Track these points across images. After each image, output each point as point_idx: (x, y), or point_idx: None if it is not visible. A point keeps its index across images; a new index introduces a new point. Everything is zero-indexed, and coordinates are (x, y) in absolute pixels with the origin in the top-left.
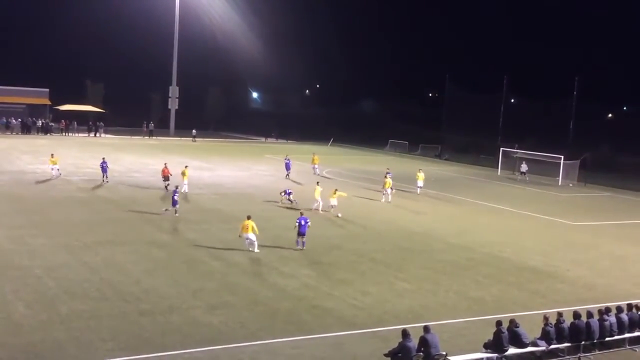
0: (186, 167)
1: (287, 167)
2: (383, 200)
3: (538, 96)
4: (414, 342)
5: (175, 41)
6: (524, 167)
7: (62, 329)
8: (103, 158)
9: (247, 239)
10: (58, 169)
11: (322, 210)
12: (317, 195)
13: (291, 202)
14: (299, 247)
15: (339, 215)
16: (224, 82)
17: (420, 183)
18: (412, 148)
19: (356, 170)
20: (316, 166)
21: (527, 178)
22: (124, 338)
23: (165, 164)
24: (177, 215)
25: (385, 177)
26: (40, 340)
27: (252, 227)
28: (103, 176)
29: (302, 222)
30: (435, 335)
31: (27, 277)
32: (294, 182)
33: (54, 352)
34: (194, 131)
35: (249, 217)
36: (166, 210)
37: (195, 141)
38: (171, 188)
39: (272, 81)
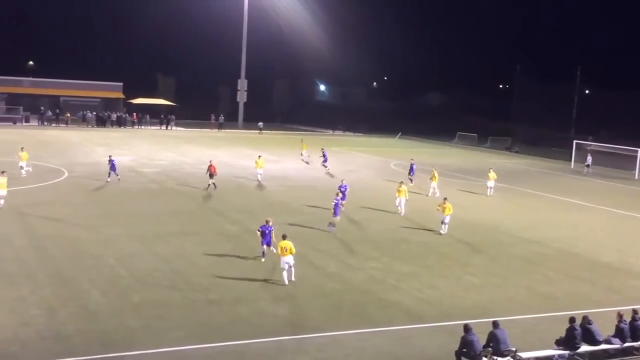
0: (259, 156)
1: (325, 159)
2: (430, 194)
3: (613, 87)
4: (477, 336)
5: (244, 35)
6: (589, 160)
7: (134, 316)
8: (110, 156)
9: (286, 264)
10: (28, 168)
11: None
12: (401, 195)
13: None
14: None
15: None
16: (291, 74)
17: (490, 183)
18: (481, 141)
19: (424, 163)
20: (304, 152)
21: (591, 171)
22: (193, 327)
23: (210, 160)
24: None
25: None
26: (114, 328)
27: (290, 249)
28: (109, 174)
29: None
30: (504, 331)
31: (101, 266)
32: (329, 174)
33: (126, 339)
34: (260, 124)
35: (284, 237)
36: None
37: (261, 133)
38: (211, 185)
39: (339, 74)
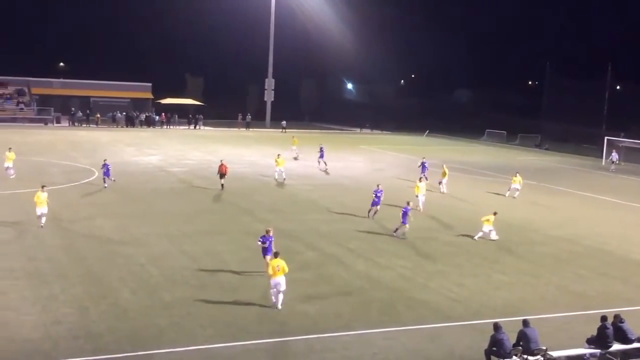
0: (278, 155)
1: (322, 155)
2: (443, 191)
3: None
4: (507, 335)
5: (271, 34)
6: (614, 156)
7: (164, 315)
8: (105, 160)
9: (276, 285)
10: (12, 170)
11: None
12: (418, 192)
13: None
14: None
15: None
16: (318, 73)
17: (516, 186)
18: (510, 138)
19: (453, 161)
20: (294, 148)
21: (613, 168)
22: (222, 325)
23: (221, 160)
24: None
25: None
26: (144, 326)
27: (283, 268)
28: (105, 180)
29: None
30: (534, 330)
31: (131, 265)
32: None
33: (156, 338)
34: (283, 122)
35: (276, 255)
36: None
37: (285, 132)
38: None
39: (367, 72)
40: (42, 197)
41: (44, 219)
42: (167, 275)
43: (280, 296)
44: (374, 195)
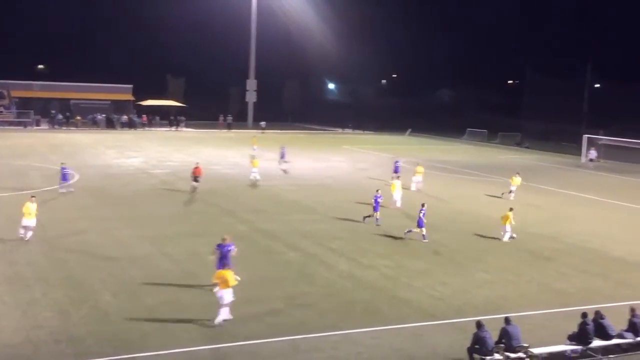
0: (253, 157)
1: (282, 156)
2: (413, 188)
3: (624, 80)
4: (489, 333)
5: (253, 35)
6: (592, 154)
7: (147, 318)
8: (62, 164)
9: (220, 298)
10: None
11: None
12: (394, 190)
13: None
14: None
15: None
16: (300, 74)
17: (513, 187)
18: (490, 136)
19: (434, 159)
20: (255, 147)
21: (592, 165)
22: (206, 328)
23: (197, 163)
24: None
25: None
26: (126, 329)
27: (226, 281)
28: (61, 184)
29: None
30: (516, 327)
31: (113, 268)
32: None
33: (139, 341)
34: (262, 123)
35: (223, 265)
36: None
37: (264, 133)
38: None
39: (348, 72)
40: (31, 208)
41: (30, 233)
42: (149, 278)
43: (222, 311)
44: (373, 200)
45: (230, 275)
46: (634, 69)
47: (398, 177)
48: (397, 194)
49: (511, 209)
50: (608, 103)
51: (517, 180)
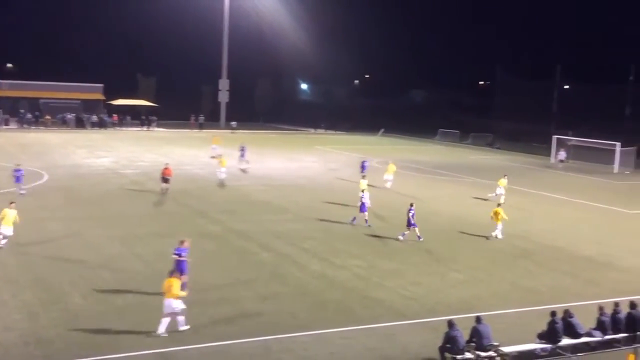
0: (221, 156)
1: (243, 155)
2: (387, 186)
3: (592, 82)
4: (460, 332)
5: (225, 34)
6: (562, 155)
7: (117, 319)
8: (17, 165)
9: (168, 309)
10: None
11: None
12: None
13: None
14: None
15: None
16: (273, 74)
17: (500, 190)
18: (462, 137)
19: (406, 160)
20: (215, 146)
21: (561, 166)
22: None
23: (166, 163)
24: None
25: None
26: (96, 331)
27: (172, 290)
28: (17, 187)
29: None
30: (487, 326)
31: (83, 269)
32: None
33: (109, 343)
34: (233, 123)
35: (171, 274)
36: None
37: (234, 133)
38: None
39: (321, 72)
40: (9, 215)
41: (4, 241)
42: (119, 279)
43: (165, 320)
44: (360, 201)
45: (176, 285)
46: (601, 71)
47: (364, 177)
48: (366, 193)
49: (499, 205)
50: (577, 104)
51: (503, 182)
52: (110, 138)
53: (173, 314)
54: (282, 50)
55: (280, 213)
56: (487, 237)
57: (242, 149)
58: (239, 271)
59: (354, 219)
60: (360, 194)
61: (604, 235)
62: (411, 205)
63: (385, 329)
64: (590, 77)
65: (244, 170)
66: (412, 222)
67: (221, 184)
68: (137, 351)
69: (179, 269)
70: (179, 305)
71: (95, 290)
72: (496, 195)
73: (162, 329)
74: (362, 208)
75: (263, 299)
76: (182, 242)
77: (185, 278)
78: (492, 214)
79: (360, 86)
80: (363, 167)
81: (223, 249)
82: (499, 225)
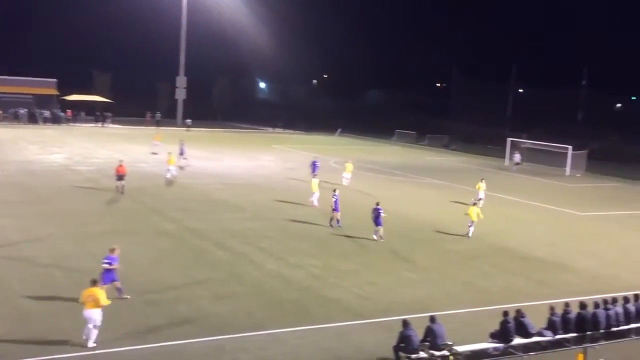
0: (170, 153)
1: (182, 152)
2: (344, 183)
3: (546, 86)
4: (415, 331)
5: (183, 31)
6: (517, 157)
7: (68, 318)
8: None
9: (87, 319)
10: None
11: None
12: (314, 189)
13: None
14: (375, 237)
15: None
16: (231, 72)
17: (481, 194)
18: (419, 138)
19: (363, 160)
20: (157, 143)
21: (515, 168)
22: (130, 328)
23: (121, 161)
24: None
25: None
26: (47, 330)
27: (98, 300)
28: None
29: (377, 213)
30: (441, 325)
31: (34, 267)
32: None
33: (61, 342)
34: (188, 121)
35: (94, 283)
36: None
37: (189, 131)
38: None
39: (280, 71)
40: None
41: None
42: (72, 277)
43: (94, 332)
44: (333, 202)
45: (102, 295)
46: (554, 75)
47: (315, 176)
48: (316, 193)
49: (474, 204)
50: (531, 107)
51: (482, 185)
52: (64, 134)
53: (92, 328)
54: (241, 49)
55: (237, 212)
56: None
57: (182, 146)
58: (194, 270)
59: (338, 221)
60: (333, 194)
61: (556, 237)
62: (334, 190)
63: (340, 329)
64: (544, 81)
65: (182, 168)
66: (336, 207)
67: (169, 182)
68: (89, 351)
69: (108, 278)
70: (99, 317)
71: (46, 289)
72: (480, 199)
73: (92, 342)
74: (336, 208)
75: (219, 299)
76: (112, 250)
77: (118, 284)
78: (469, 213)
79: (319, 86)
80: (314, 167)
81: (179, 248)
82: (472, 224)
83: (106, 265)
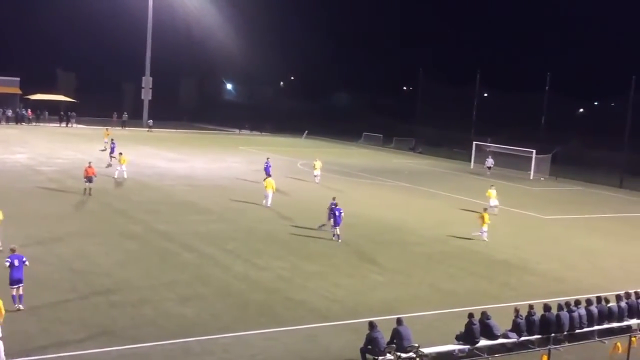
0: (120, 154)
1: (112, 150)
2: (316, 181)
3: (510, 90)
4: (381, 333)
5: (149, 31)
6: (489, 162)
7: (32, 320)
8: None
9: None
10: None
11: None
12: (268, 189)
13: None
14: (335, 238)
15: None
16: (198, 73)
17: (493, 202)
18: (386, 141)
19: (330, 162)
20: (106, 140)
21: (489, 172)
22: (95, 330)
23: (89, 162)
24: None
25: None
26: (10, 332)
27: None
28: None
29: (337, 213)
30: (407, 328)
31: None
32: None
33: (24, 344)
34: (150, 121)
35: None
36: None
37: (151, 132)
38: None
39: (247, 73)
40: None
41: None
42: (35, 279)
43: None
44: (333, 212)
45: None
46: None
47: (269, 176)
48: (270, 192)
49: (485, 209)
50: (496, 111)
51: (492, 192)
52: (27, 134)
53: None
54: (208, 49)
55: (204, 213)
56: (472, 238)
57: (113, 145)
58: (160, 272)
59: (339, 237)
60: (332, 204)
61: (520, 240)
62: (333, 198)
63: (307, 331)
64: (508, 85)
65: (109, 165)
66: (337, 220)
67: (119, 182)
68: (52, 354)
69: (15, 278)
70: None
71: (9, 291)
72: (491, 207)
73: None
74: (337, 222)
75: (185, 300)
76: (12, 250)
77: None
78: (478, 217)
79: (286, 87)
80: (267, 168)
81: (145, 249)
82: (484, 228)
83: (6, 265)
